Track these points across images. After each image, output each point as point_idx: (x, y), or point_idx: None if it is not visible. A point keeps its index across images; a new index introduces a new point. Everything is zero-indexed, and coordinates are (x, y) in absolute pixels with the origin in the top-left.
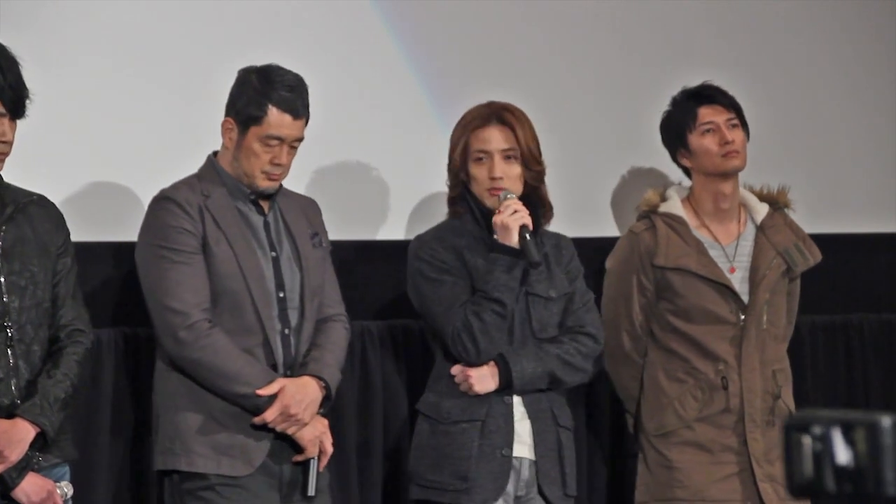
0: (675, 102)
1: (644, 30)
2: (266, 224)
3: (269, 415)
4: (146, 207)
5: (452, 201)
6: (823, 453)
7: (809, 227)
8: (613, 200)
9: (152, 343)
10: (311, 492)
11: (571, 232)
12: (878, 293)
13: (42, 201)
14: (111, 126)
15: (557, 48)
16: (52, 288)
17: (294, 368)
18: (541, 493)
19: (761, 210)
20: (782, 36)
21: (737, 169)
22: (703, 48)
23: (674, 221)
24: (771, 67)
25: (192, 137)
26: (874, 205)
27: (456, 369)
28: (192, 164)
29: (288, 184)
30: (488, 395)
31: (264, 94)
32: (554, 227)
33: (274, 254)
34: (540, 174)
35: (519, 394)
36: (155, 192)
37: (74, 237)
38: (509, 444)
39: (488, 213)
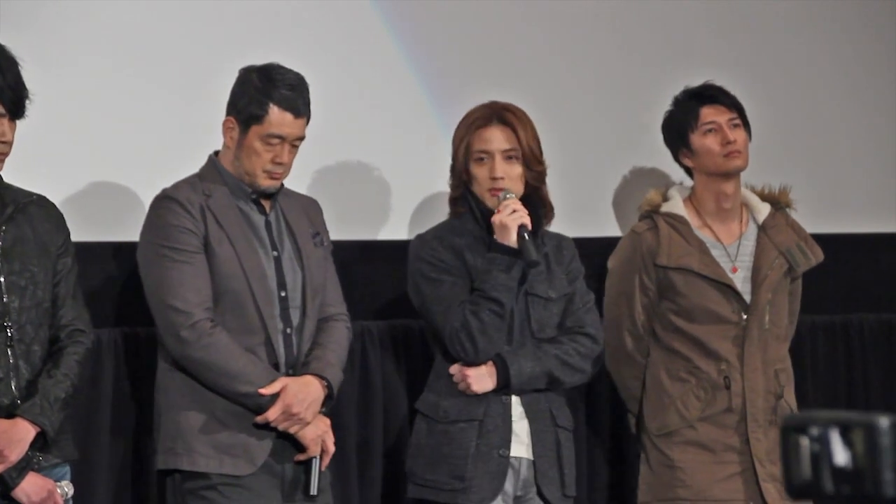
0: (677, 102)
1: (644, 30)
2: (267, 223)
3: (272, 414)
4: (146, 207)
5: (454, 201)
6: (821, 454)
7: (809, 227)
8: (615, 200)
9: (152, 343)
10: (314, 491)
11: (573, 232)
12: (878, 293)
13: (42, 201)
14: (111, 126)
15: (558, 48)
16: (53, 288)
17: (296, 367)
18: (539, 493)
19: (763, 210)
20: (782, 36)
21: (739, 169)
22: (703, 48)
23: (676, 221)
24: (771, 67)
25: (191, 137)
26: (874, 205)
27: (454, 369)
28: (192, 164)
29: (289, 184)
30: (486, 394)
31: (265, 92)
32: (555, 227)
33: (276, 253)
34: (541, 174)
35: (517, 394)
36: (155, 192)
37: (75, 237)
38: (507, 444)
39: (489, 213)
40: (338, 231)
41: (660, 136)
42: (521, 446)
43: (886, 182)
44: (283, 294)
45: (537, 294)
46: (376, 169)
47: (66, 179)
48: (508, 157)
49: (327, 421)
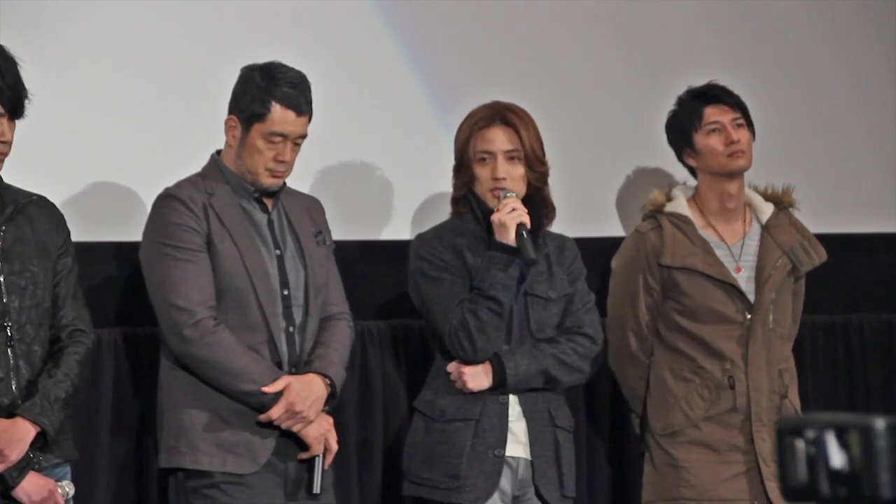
0: (681, 102)
1: (644, 30)
2: (270, 222)
3: (275, 412)
4: (147, 207)
5: (456, 201)
6: (817, 457)
7: (810, 227)
8: (618, 200)
9: (153, 342)
10: (317, 489)
11: (576, 232)
12: (878, 293)
13: (42, 202)
14: (111, 126)
15: (558, 48)
16: (53, 288)
17: (299, 366)
18: (538, 493)
19: (766, 210)
20: (782, 36)
21: (742, 169)
22: (703, 48)
23: (680, 221)
24: (771, 67)
25: (191, 137)
26: (874, 205)
27: (451, 366)
28: (192, 164)
29: (291, 184)
30: (483, 394)
31: (267, 91)
32: (559, 227)
33: (278, 251)
34: (543, 175)
35: (514, 392)
36: (156, 192)
37: (75, 237)
38: (502, 444)
39: (490, 213)
40: (338, 231)
41: (663, 136)
42: (518, 446)
43: (886, 182)
44: (285, 292)
45: (537, 294)
46: (376, 169)
47: (66, 179)
48: (511, 157)
49: (330, 419)
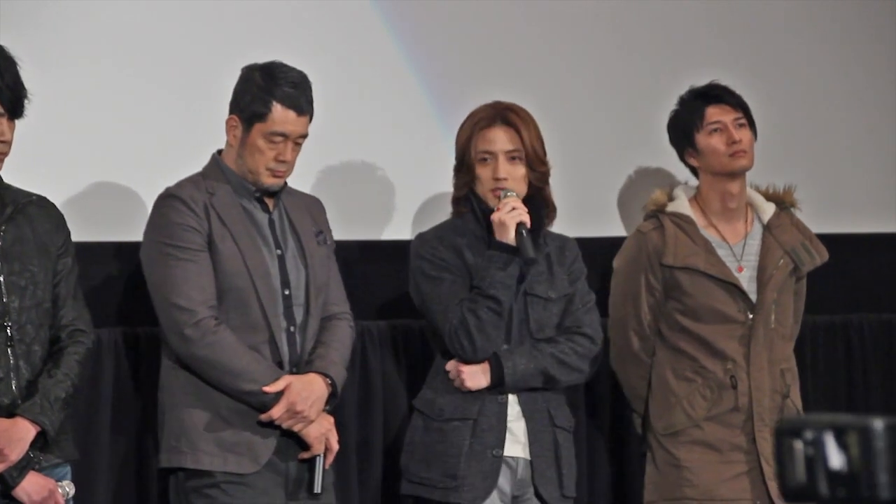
0: (683, 102)
1: (644, 30)
2: (271, 221)
3: (276, 412)
4: (147, 207)
5: (457, 201)
6: (816, 458)
7: (810, 227)
8: (619, 200)
9: (153, 342)
10: (318, 489)
11: (577, 232)
12: (878, 293)
13: (42, 202)
14: (111, 126)
15: (558, 48)
16: (53, 288)
17: (300, 366)
18: (537, 493)
19: (768, 209)
20: (782, 36)
21: (744, 168)
22: (703, 48)
23: (682, 221)
24: (771, 67)
25: (192, 137)
26: (874, 205)
27: (450, 365)
28: (192, 164)
29: (292, 184)
30: (482, 393)
31: (268, 90)
32: (560, 227)
33: (279, 251)
34: (544, 175)
35: (512, 392)
36: (156, 192)
37: (75, 237)
38: (501, 443)
39: (490, 213)
40: (339, 231)
41: (664, 136)
42: (517, 446)
43: (886, 182)
44: (286, 292)
45: (537, 294)
46: (377, 169)
47: (66, 179)
48: (512, 157)
49: (331, 419)
